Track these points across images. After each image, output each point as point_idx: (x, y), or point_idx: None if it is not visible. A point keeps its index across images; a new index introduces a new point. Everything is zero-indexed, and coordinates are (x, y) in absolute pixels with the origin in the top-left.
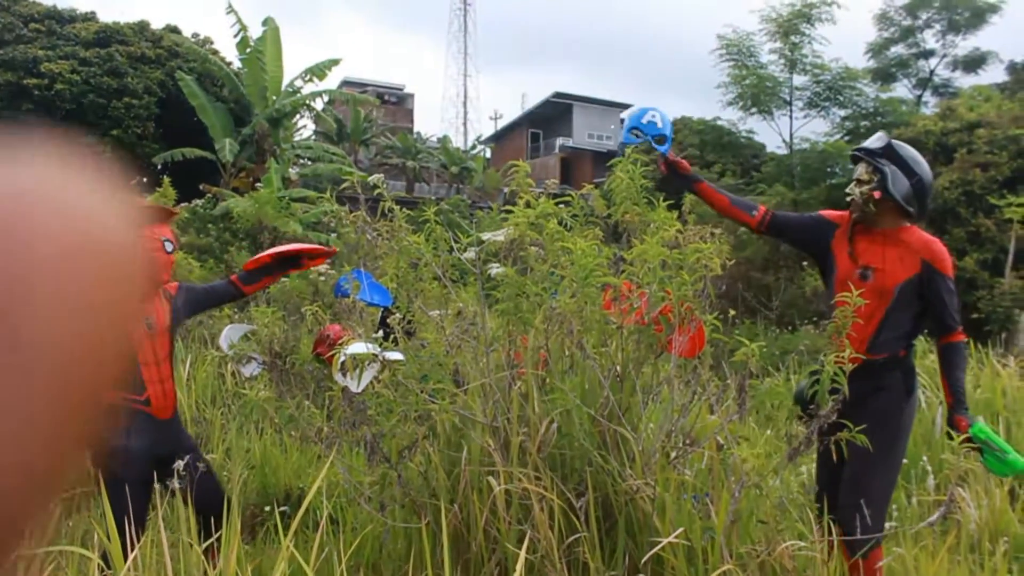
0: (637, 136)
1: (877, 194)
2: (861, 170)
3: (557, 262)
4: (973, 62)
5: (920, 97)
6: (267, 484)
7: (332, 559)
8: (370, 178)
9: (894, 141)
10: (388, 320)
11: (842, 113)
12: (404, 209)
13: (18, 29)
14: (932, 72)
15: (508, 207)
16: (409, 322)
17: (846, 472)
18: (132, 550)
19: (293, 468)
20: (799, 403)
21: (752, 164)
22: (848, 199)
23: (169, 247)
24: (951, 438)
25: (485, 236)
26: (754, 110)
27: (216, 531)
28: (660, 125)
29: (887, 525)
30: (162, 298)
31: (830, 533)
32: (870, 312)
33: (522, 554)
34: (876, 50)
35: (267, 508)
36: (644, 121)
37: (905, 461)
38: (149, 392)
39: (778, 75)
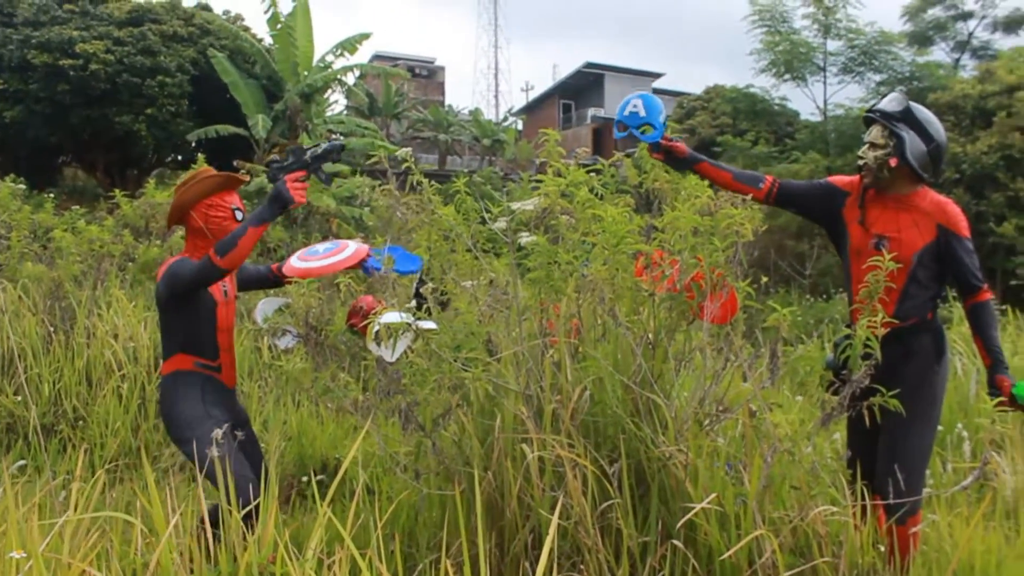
0: (624, 130)
1: (894, 161)
2: (876, 133)
3: (588, 230)
4: (1013, 23)
5: (958, 60)
6: (304, 455)
7: (368, 526)
8: (398, 152)
9: (913, 104)
10: (421, 290)
11: (877, 78)
12: (436, 182)
13: (53, 10)
14: (971, 34)
15: (539, 176)
16: (443, 293)
17: (882, 441)
18: (172, 514)
19: (329, 438)
20: (831, 370)
21: (786, 131)
22: (860, 163)
23: (239, 215)
24: (993, 396)
25: (515, 206)
26: (787, 77)
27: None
28: (643, 114)
29: (924, 491)
30: None
31: (863, 498)
32: (889, 282)
33: (554, 519)
34: (913, 13)
35: (304, 478)
36: (626, 113)
37: (940, 428)
38: (221, 359)
39: (812, 40)
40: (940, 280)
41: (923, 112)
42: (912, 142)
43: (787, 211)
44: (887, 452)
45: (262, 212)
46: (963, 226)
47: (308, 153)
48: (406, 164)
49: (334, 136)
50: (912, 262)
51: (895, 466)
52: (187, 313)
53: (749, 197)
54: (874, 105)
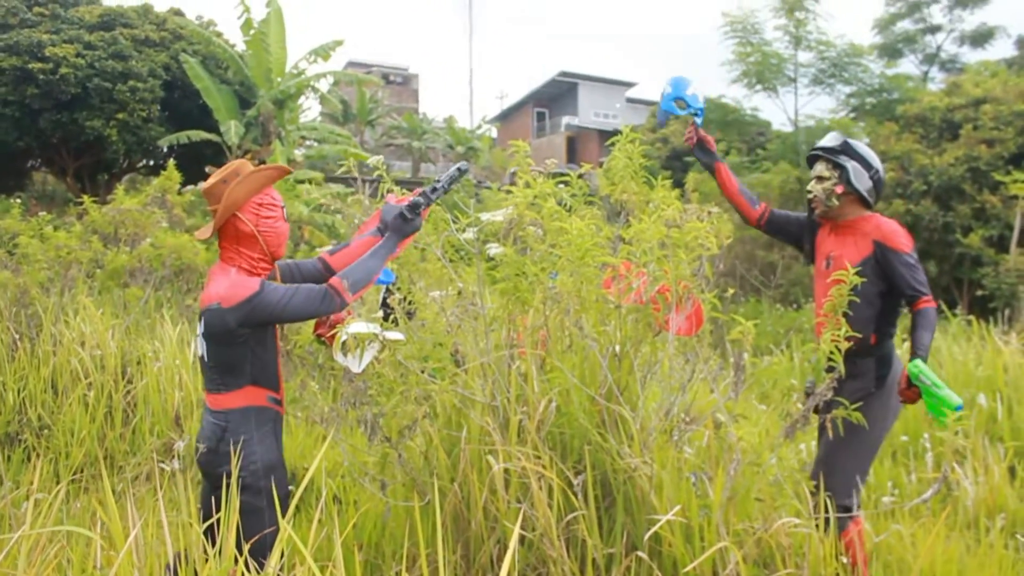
0: (681, 108)
1: (840, 188)
2: (820, 168)
3: (555, 242)
4: (980, 37)
5: (927, 73)
6: None
7: (333, 537)
8: (370, 160)
9: (849, 139)
10: (388, 300)
11: (847, 90)
12: (409, 190)
13: (22, 13)
14: (939, 47)
15: (507, 188)
16: (410, 302)
17: (819, 454)
18: (133, 529)
19: (298, 449)
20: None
21: (758, 142)
22: (810, 197)
23: (285, 214)
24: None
25: (484, 216)
26: (759, 87)
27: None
28: (701, 100)
29: (886, 500)
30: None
31: (826, 511)
32: (840, 299)
33: (516, 530)
34: (883, 25)
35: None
36: (688, 93)
37: (905, 438)
38: (281, 390)
39: (783, 52)
40: (885, 298)
41: (860, 146)
42: (855, 170)
43: (774, 237)
44: (821, 463)
45: (393, 245)
46: (900, 241)
47: (441, 186)
48: (378, 172)
49: (457, 164)
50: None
51: (824, 477)
52: (257, 341)
53: (717, 210)
54: (815, 145)
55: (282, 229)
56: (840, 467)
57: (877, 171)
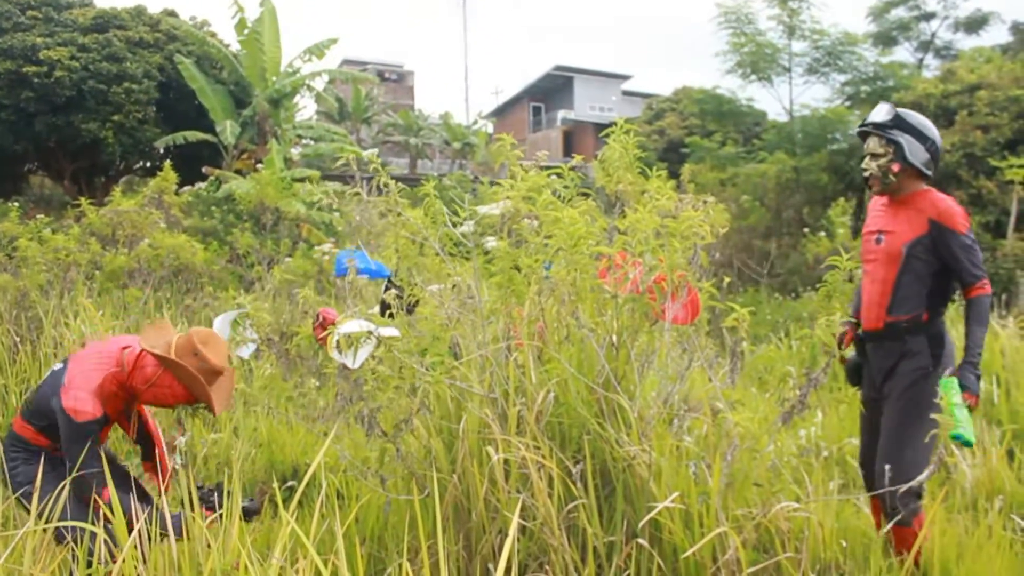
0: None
1: (896, 167)
2: (874, 144)
3: (551, 233)
4: (975, 23)
5: (922, 60)
6: (274, 461)
7: (336, 531)
8: (364, 153)
9: (900, 110)
10: (385, 297)
11: (842, 78)
12: (407, 186)
13: (16, 17)
14: (933, 35)
15: (499, 181)
16: (403, 298)
17: (880, 442)
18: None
19: (300, 445)
20: (850, 373)
21: (753, 132)
22: (866, 175)
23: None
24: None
25: (481, 210)
26: (753, 77)
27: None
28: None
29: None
30: None
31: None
32: (884, 275)
33: (514, 519)
34: (877, 13)
35: (274, 484)
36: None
37: None
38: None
39: (777, 42)
40: (938, 277)
41: (913, 116)
42: (910, 144)
43: None
44: (883, 454)
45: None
46: (956, 221)
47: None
48: (373, 166)
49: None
50: (903, 252)
51: (886, 467)
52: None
53: (712, 200)
54: (865, 119)
55: (159, 401)
56: (907, 457)
57: (933, 142)
